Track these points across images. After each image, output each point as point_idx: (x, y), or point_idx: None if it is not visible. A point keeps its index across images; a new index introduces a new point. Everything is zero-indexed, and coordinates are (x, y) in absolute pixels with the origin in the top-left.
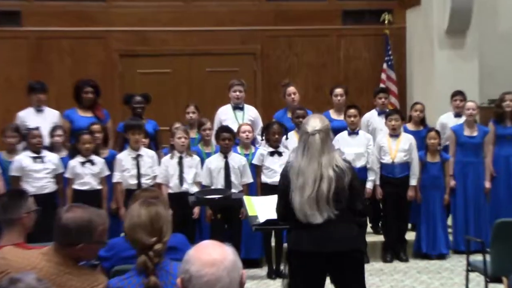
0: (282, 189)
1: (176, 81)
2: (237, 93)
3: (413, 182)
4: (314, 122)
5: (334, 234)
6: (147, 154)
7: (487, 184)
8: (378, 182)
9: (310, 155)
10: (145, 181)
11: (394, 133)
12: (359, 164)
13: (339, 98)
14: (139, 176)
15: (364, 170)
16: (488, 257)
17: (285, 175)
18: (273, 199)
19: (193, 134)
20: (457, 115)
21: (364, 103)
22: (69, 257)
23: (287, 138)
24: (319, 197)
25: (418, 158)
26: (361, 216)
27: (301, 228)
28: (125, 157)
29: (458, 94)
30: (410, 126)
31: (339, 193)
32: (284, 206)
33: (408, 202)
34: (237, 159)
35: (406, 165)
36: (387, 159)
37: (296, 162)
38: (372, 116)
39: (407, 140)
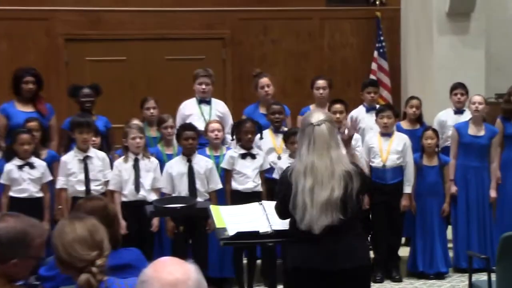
0: (281, 196)
1: (131, 71)
2: (203, 85)
3: (407, 189)
4: (318, 114)
5: (344, 248)
6: (97, 156)
7: (493, 193)
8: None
9: (319, 148)
10: (95, 187)
11: (386, 132)
12: None
13: (321, 91)
14: (87, 181)
15: None
16: (493, 276)
17: (283, 181)
18: (245, 209)
19: (153, 132)
20: (458, 111)
21: (351, 97)
22: (1, 275)
23: (261, 138)
24: (332, 199)
25: (414, 161)
26: (368, 232)
27: (307, 241)
28: (71, 160)
29: (459, 87)
30: (404, 124)
31: (347, 200)
32: (283, 209)
33: (402, 213)
34: (203, 162)
35: (399, 170)
36: (377, 162)
37: (301, 161)
38: (360, 113)
39: (400, 141)
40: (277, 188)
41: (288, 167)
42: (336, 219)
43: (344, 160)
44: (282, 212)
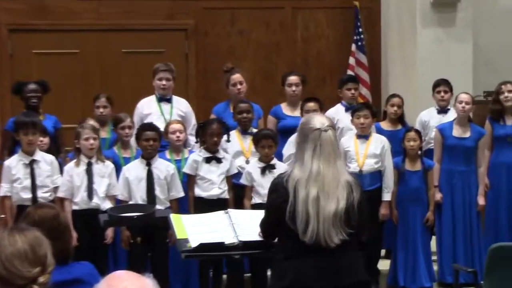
0: (275, 205)
1: (84, 65)
2: (164, 81)
3: (387, 196)
4: (321, 118)
5: (347, 263)
6: (45, 160)
7: (481, 200)
8: None
9: (326, 156)
10: (43, 194)
11: (363, 134)
12: None
13: (294, 88)
14: (34, 188)
15: None
16: None
17: (278, 188)
18: (209, 218)
19: (104, 133)
20: (441, 110)
21: (327, 95)
22: None
23: (228, 140)
24: (338, 211)
25: (395, 165)
26: (362, 250)
27: (305, 254)
28: (15, 164)
29: (442, 84)
30: (384, 124)
31: (349, 211)
32: (274, 224)
33: (381, 223)
34: (163, 166)
35: (377, 175)
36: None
37: (303, 168)
38: (337, 112)
39: (378, 143)
40: (269, 198)
41: (281, 174)
42: (346, 233)
43: (345, 170)
44: (271, 225)
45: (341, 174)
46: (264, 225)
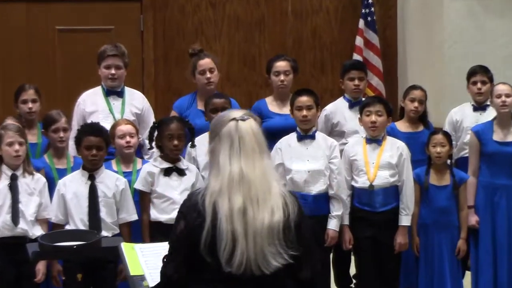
0: (183, 236)
1: (4, 46)
2: (112, 69)
3: (405, 220)
4: (237, 111)
5: None
6: None
7: None
8: (347, 221)
9: (248, 151)
10: None
11: (374, 137)
12: (315, 189)
13: (282, 77)
14: None
15: (323, 200)
16: None
17: (188, 212)
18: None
19: (32, 137)
20: (478, 107)
21: (326, 87)
22: None
23: (193, 145)
24: (274, 225)
25: (415, 178)
26: None
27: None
28: None
29: (479, 72)
30: (402, 125)
31: (286, 229)
32: (182, 264)
33: (397, 255)
34: (111, 181)
35: (393, 192)
36: (361, 182)
37: (219, 174)
38: (338, 109)
39: (395, 149)
40: (174, 229)
41: (193, 193)
42: (289, 255)
43: (277, 175)
44: (180, 264)
45: (272, 176)
46: (168, 269)
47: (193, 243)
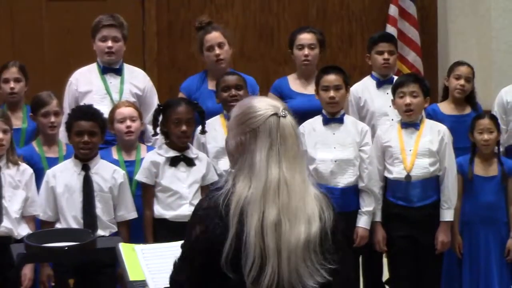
0: (201, 246)
1: None
2: (109, 42)
3: (447, 215)
4: (271, 102)
5: None
6: None
7: None
8: (379, 218)
9: (290, 155)
10: None
11: (410, 121)
12: (343, 181)
13: (306, 51)
14: None
15: (352, 194)
16: None
17: (208, 217)
18: (176, 250)
19: (18, 121)
20: None
21: (355, 63)
22: None
23: (203, 131)
24: (311, 239)
25: (458, 169)
26: None
27: None
28: None
29: None
30: (446, 107)
31: (323, 239)
32: (196, 274)
33: (439, 256)
34: (107, 172)
35: (433, 183)
36: (397, 172)
37: (255, 177)
38: (365, 89)
39: (435, 134)
40: (190, 234)
41: (212, 193)
42: (328, 271)
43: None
44: (195, 276)
45: (308, 182)
46: (180, 277)
47: (212, 254)
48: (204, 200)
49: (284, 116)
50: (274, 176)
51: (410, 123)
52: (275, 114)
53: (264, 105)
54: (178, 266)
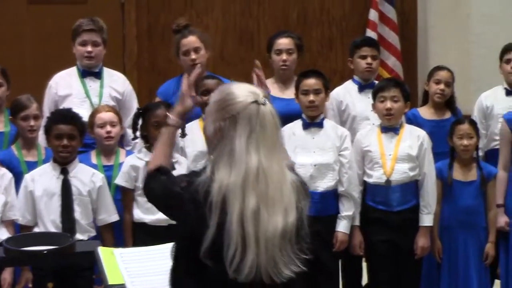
0: (188, 230)
1: None
2: (89, 46)
3: (427, 219)
4: (251, 89)
5: None
6: None
7: None
8: (357, 222)
9: (269, 143)
10: None
11: (390, 125)
12: (322, 186)
13: (285, 56)
14: None
15: (331, 198)
16: None
17: (191, 203)
18: (156, 254)
19: (1, 125)
20: None
21: (335, 67)
22: None
23: (183, 135)
24: (288, 229)
25: (437, 173)
26: None
27: None
28: None
29: None
30: (426, 111)
31: (300, 228)
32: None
33: (418, 261)
34: (86, 176)
35: (412, 187)
36: (377, 176)
37: (235, 164)
38: (347, 93)
39: (414, 139)
40: (182, 211)
41: (189, 180)
42: (302, 260)
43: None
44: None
45: (286, 170)
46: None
47: (189, 247)
48: (192, 187)
49: (264, 104)
50: (254, 164)
51: (390, 128)
52: (256, 101)
53: (244, 91)
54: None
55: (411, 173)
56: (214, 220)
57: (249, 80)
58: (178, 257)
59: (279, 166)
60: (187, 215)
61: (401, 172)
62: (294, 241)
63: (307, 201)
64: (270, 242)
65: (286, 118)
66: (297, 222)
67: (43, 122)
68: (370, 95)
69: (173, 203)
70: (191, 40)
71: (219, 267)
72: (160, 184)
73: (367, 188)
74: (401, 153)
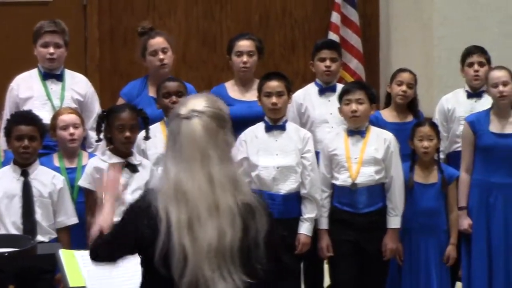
0: (129, 235)
1: None
2: (51, 48)
3: (394, 222)
4: (195, 101)
5: None
6: None
7: None
8: (325, 226)
9: (187, 158)
10: None
11: (356, 128)
12: (285, 188)
13: (246, 59)
14: None
15: (294, 200)
16: None
17: (143, 211)
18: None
19: None
20: (473, 93)
21: (297, 70)
22: None
23: (147, 137)
24: (225, 247)
25: (403, 174)
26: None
27: None
28: None
29: (476, 53)
30: (388, 114)
31: (251, 250)
32: (117, 254)
33: (385, 263)
34: (47, 178)
35: (378, 190)
36: (343, 179)
37: (168, 177)
38: (308, 95)
39: (381, 141)
40: (121, 223)
41: (148, 191)
42: (240, 283)
43: (239, 185)
44: (111, 255)
45: (222, 189)
46: (101, 250)
47: (143, 251)
48: (140, 198)
49: (188, 118)
50: (172, 179)
51: (356, 131)
52: (178, 115)
53: (183, 104)
54: (104, 239)
55: (377, 176)
56: (163, 230)
57: (211, 82)
58: (144, 275)
59: (201, 182)
60: (138, 228)
61: (367, 175)
62: (239, 263)
63: (264, 223)
64: (201, 256)
65: (248, 120)
66: (243, 243)
67: (2, 124)
68: (330, 98)
69: (120, 235)
70: (159, 40)
71: (169, 275)
72: (103, 239)
73: (334, 190)
74: (367, 157)
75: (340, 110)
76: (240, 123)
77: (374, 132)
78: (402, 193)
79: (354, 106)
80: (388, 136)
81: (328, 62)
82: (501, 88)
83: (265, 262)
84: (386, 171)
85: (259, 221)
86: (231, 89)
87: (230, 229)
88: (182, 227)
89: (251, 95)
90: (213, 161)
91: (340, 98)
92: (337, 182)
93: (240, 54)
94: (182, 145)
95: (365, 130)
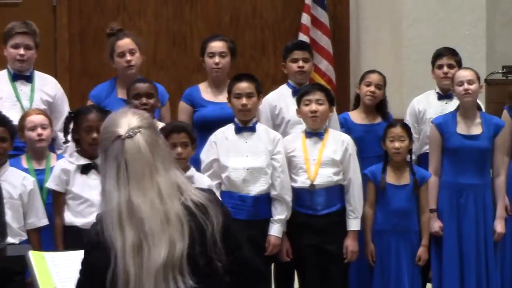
0: (91, 263)
1: None
2: (21, 49)
3: (353, 224)
4: (126, 119)
5: None
6: None
7: (499, 226)
8: (284, 228)
9: (137, 177)
10: None
11: (315, 130)
12: (255, 190)
13: (217, 59)
14: None
15: (264, 202)
16: None
17: (94, 242)
18: None
19: None
20: (444, 95)
21: (268, 71)
22: None
23: None
24: (174, 259)
25: (371, 177)
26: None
27: None
28: None
29: (446, 54)
30: (357, 115)
31: (203, 253)
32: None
33: (345, 264)
34: (17, 179)
35: (336, 191)
36: (301, 181)
37: (109, 202)
38: (282, 97)
39: (339, 144)
40: (84, 259)
41: (98, 218)
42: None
43: (184, 186)
44: None
45: (170, 198)
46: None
47: (100, 274)
48: (91, 229)
49: (130, 137)
50: (123, 201)
51: (314, 133)
52: (119, 136)
53: (114, 123)
54: (78, 283)
55: (335, 178)
56: (112, 258)
57: (181, 83)
58: None
59: (153, 199)
60: (92, 259)
61: (325, 176)
62: (190, 270)
63: (218, 217)
64: (151, 277)
65: (220, 122)
66: (192, 250)
67: None
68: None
69: (87, 276)
70: (127, 42)
71: None
72: (81, 281)
73: (294, 193)
74: (325, 158)
75: (298, 111)
76: (212, 125)
77: (332, 134)
78: (361, 195)
79: (314, 107)
80: (346, 138)
81: (301, 63)
82: (466, 86)
83: (224, 258)
84: (344, 173)
85: (213, 215)
86: (205, 90)
87: (180, 239)
88: (127, 254)
89: (224, 97)
90: (160, 172)
91: (299, 99)
92: (296, 185)
93: (212, 55)
94: (129, 165)
95: (323, 132)
